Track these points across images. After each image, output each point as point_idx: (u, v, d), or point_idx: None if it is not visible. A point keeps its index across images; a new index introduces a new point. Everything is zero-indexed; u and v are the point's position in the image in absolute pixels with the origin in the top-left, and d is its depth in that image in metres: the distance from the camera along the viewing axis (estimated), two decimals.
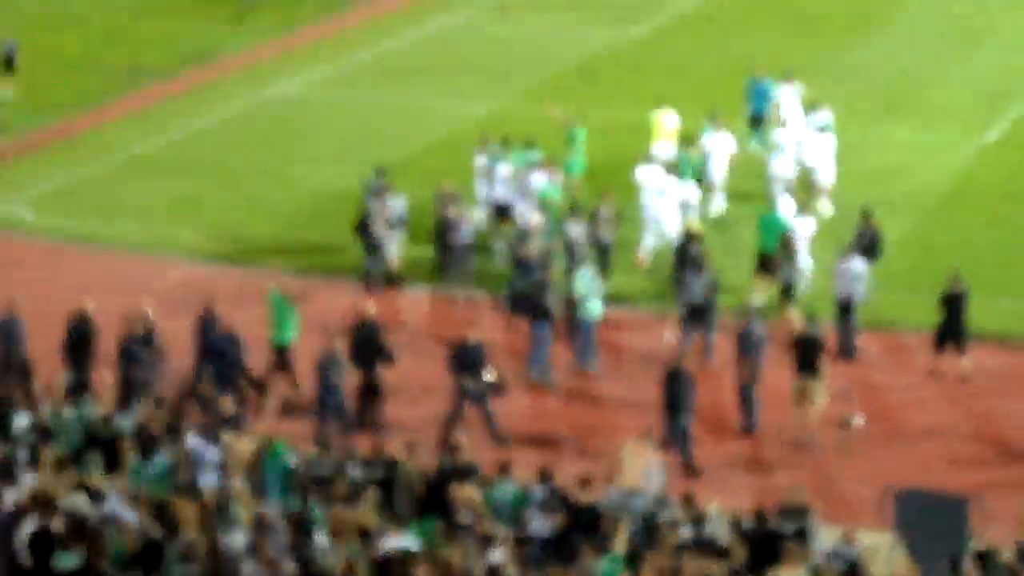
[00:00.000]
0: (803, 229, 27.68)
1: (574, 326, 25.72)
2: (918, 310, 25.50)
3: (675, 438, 22.20)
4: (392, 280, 28.41)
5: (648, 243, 29.00)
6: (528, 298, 25.79)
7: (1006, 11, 45.94)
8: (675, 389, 22.50)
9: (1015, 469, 22.15)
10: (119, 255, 29.58)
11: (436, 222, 28.42)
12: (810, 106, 32.01)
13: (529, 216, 28.71)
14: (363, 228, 28.30)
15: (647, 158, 30.38)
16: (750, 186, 31.71)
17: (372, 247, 28.38)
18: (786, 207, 28.39)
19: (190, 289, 26.86)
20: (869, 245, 26.42)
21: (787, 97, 32.37)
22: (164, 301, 25.47)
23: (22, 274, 28.22)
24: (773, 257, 27.61)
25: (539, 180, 29.63)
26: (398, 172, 31.13)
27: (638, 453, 19.81)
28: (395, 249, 28.67)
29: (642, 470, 19.35)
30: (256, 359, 23.93)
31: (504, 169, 29.73)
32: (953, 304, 24.65)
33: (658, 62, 41.39)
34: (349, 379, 23.00)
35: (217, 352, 23.49)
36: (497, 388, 23.35)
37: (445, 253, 28.38)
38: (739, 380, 23.69)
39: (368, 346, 23.31)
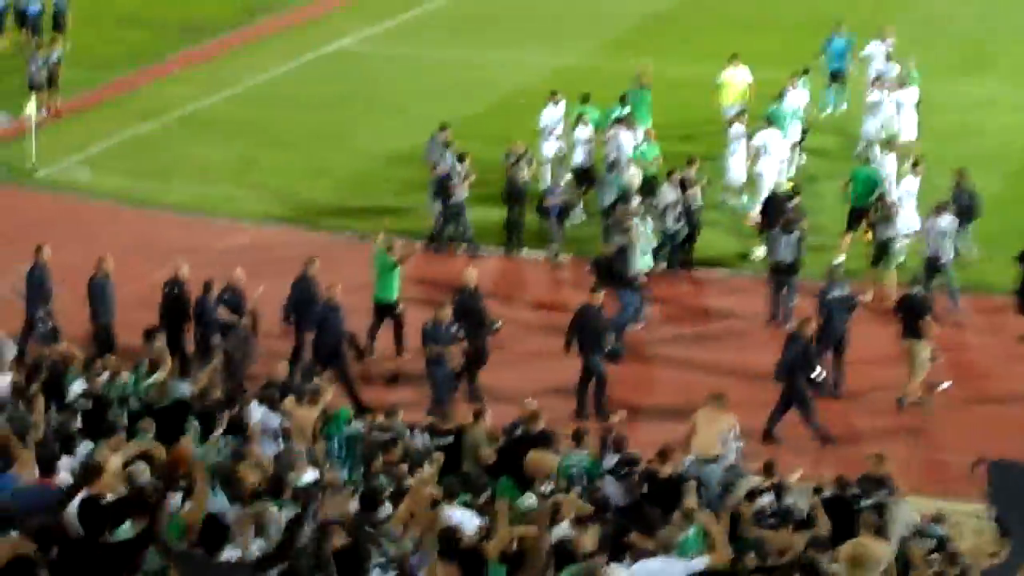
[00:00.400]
0: (909, 186, 27.33)
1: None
2: (1010, 271, 24.69)
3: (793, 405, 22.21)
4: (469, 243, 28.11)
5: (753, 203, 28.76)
6: (611, 263, 25.42)
7: None
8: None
9: None
10: (177, 217, 29.54)
11: (508, 183, 27.92)
12: (897, 62, 31.58)
13: (627, 176, 28.38)
14: (443, 190, 27.91)
15: (739, 116, 29.94)
16: (828, 143, 31.64)
17: (454, 212, 27.95)
18: (890, 165, 28.14)
19: (253, 252, 27.01)
20: (967, 206, 26.00)
21: (877, 53, 32.19)
22: (227, 264, 25.00)
23: (79, 234, 27.82)
24: (865, 212, 27.31)
25: (628, 139, 29.14)
26: (462, 130, 30.65)
27: (712, 419, 19.45)
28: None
29: (718, 436, 19.10)
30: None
31: (584, 131, 29.10)
32: None
33: (731, 14, 41.18)
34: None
35: (319, 320, 23.27)
36: (614, 355, 23.16)
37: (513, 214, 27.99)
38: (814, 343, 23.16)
39: (470, 314, 23.10)
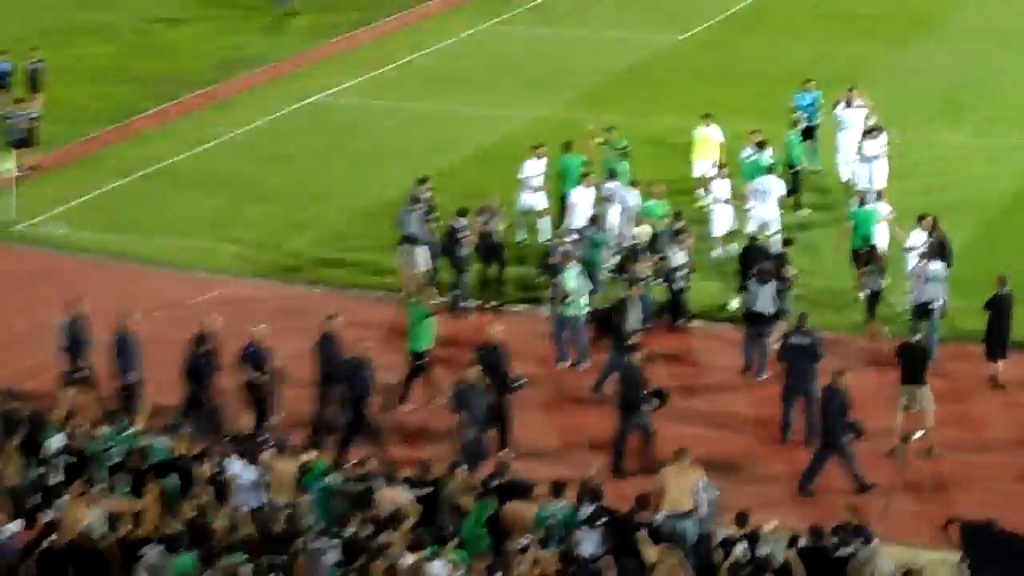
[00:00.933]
0: (914, 240, 27.28)
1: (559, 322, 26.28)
2: (981, 318, 24.84)
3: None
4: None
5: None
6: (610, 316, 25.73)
7: None
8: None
9: None
10: (157, 271, 29.52)
11: (481, 238, 28.01)
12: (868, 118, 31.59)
13: (630, 232, 28.48)
14: (452, 246, 27.82)
15: (720, 170, 30.18)
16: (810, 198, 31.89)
17: (460, 267, 28.01)
18: (883, 210, 28.39)
19: (231, 307, 26.70)
20: (939, 251, 26.02)
21: (850, 114, 32.05)
22: (203, 317, 24.64)
23: (58, 290, 27.34)
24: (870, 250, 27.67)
25: (636, 196, 29.36)
26: (437, 183, 30.60)
27: (680, 473, 19.38)
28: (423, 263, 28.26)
29: (688, 490, 18.97)
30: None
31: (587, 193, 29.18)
32: (997, 306, 24.45)
33: (706, 66, 41.27)
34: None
35: (347, 376, 23.13)
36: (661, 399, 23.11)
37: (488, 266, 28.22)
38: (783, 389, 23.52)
39: (495, 372, 23.08)
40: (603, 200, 29.30)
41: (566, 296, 26.24)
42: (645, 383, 22.90)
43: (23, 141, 33.57)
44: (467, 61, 42.31)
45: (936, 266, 25.45)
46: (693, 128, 31.82)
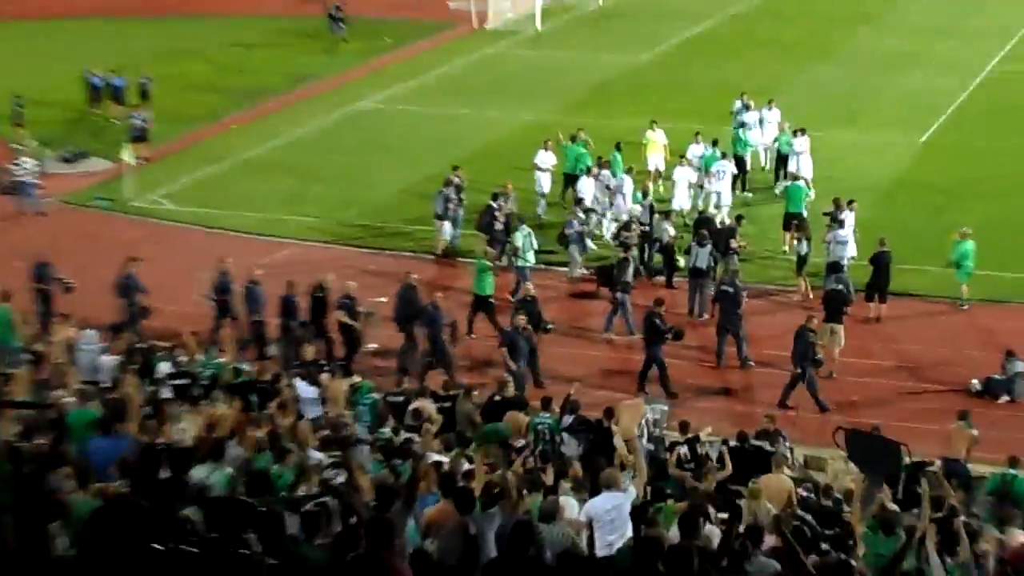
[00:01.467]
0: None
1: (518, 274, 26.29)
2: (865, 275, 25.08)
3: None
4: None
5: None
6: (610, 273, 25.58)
7: (937, 39, 45.32)
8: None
9: (937, 399, 22.06)
10: (236, 237, 29.54)
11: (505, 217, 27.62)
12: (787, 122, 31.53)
13: (626, 209, 28.32)
14: (490, 221, 27.43)
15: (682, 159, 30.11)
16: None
17: (497, 239, 27.26)
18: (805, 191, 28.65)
19: (295, 263, 26.88)
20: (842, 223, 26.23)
21: (773, 116, 31.90)
22: (274, 273, 25.18)
23: (162, 250, 28.06)
24: (799, 219, 27.64)
25: (630, 182, 29.04)
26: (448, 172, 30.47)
27: (631, 407, 18.87)
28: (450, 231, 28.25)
29: (638, 420, 18.58)
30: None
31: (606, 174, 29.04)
32: (878, 262, 24.51)
33: (662, 81, 40.92)
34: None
35: (426, 318, 23.16)
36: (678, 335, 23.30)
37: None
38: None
39: (531, 317, 23.12)
40: (605, 187, 28.82)
41: (516, 251, 26.24)
42: (665, 323, 22.78)
43: (138, 138, 33.58)
44: (475, 77, 42.07)
45: (840, 232, 25.50)
46: (642, 134, 31.62)
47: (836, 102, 37.45)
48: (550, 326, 24.10)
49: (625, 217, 28.13)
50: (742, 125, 31.96)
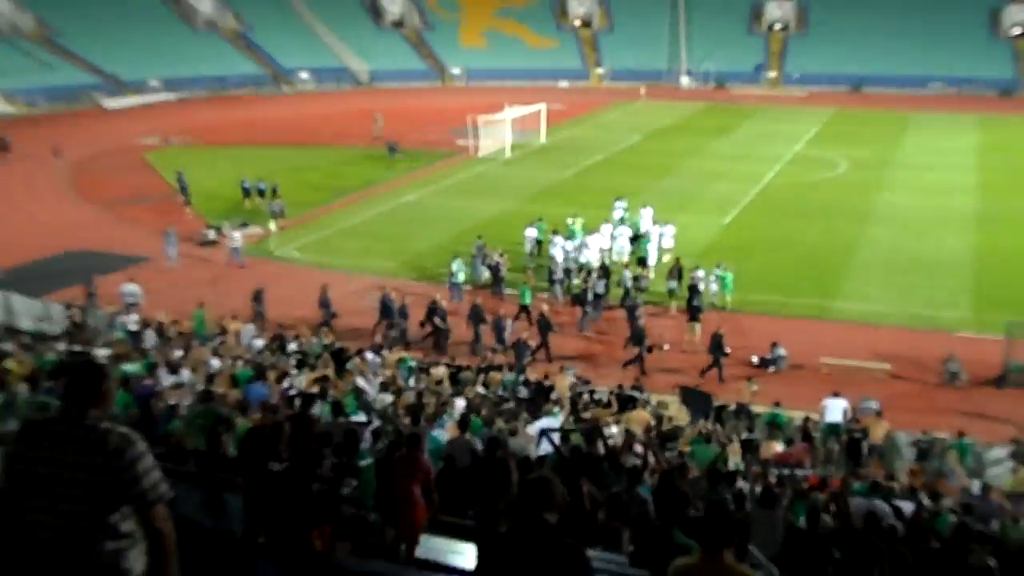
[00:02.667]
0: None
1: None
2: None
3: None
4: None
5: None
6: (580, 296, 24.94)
7: (736, 162, 44.78)
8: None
9: (733, 369, 21.69)
10: (338, 273, 28.37)
11: (490, 267, 26.42)
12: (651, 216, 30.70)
13: (591, 258, 26.91)
14: (496, 270, 26.25)
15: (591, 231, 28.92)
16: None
17: (500, 279, 26.10)
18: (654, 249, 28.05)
19: (370, 288, 26.33)
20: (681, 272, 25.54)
21: (647, 213, 30.71)
22: (358, 292, 25.17)
23: (292, 281, 27.82)
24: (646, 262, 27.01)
25: (592, 242, 27.74)
26: (464, 236, 30.29)
27: (563, 377, 19.11)
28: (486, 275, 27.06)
29: (568, 387, 18.46)
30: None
31: (559, 239, 27.64)
32: (692, 290, 23.61)
33: (578, 187, 40.48)
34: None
35: (494, 325, 22.39)
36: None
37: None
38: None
39: (543, 322, 22.30)
40: (566, 242, 27.41)
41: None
42: (644, 332, 21.81)
43: (277, 216, 33.36)
44: (472, 183, 41.42)
45: (700, 273, 24.48)
46: (565, 216, 30.93)
47: (676, 199, 37.05)
48: (556, 329, 22.72)
49: (586, 262, 26.85)
50: (622, 218, 30.52)
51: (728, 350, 21.20)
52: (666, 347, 22.31)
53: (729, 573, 4.08)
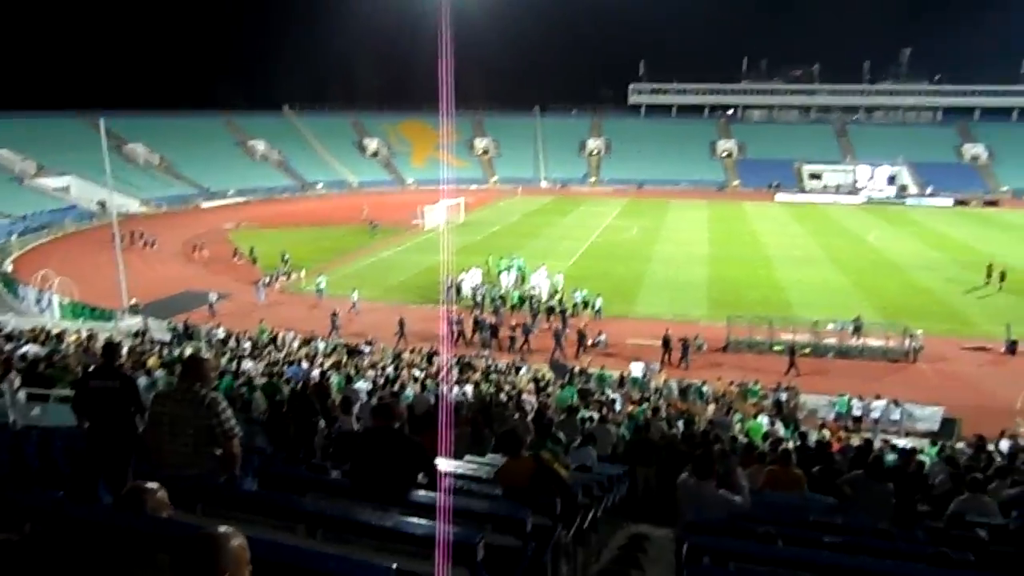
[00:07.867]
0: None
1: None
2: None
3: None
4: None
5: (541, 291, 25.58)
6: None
7: (575, 227, 44.95)
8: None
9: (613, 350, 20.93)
10: (342, 299, 26.32)
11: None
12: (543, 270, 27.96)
13: (542, 288, 24.80)
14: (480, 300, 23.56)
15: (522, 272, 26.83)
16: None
17: (496, 307, 23.11)
18: (543, 286, 26.11)
19: (380, 310, 24.99)
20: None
21: (540, 271, 27.53)
22: (368, 310, 23.89)
23: (321, 309, 25.42)
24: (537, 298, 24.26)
25: (541, 274, 26.10)
26: (414, 277, 28.61)
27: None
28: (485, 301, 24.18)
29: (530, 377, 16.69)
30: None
31: (514, 271, 25.84)
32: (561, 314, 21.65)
33: (487, 246, 37.44)
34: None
35: (523, 330, 19.76)
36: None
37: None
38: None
39: (556, 338, 20.27)
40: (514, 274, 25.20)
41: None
42: (563, 346, 19.58)
43: (289, 272, 31.11)
44: (423, 245, 39.68)
45: (577, 295, 22.70)
46: (498, 261, 29.59)
47: (540, 252, 34.61)
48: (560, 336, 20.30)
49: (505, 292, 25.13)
50: (509, 267, 27.70)
51: (591, 341, 20.35)
52: (602, 336, 20.61)
53: (525, 462, 4.13)
